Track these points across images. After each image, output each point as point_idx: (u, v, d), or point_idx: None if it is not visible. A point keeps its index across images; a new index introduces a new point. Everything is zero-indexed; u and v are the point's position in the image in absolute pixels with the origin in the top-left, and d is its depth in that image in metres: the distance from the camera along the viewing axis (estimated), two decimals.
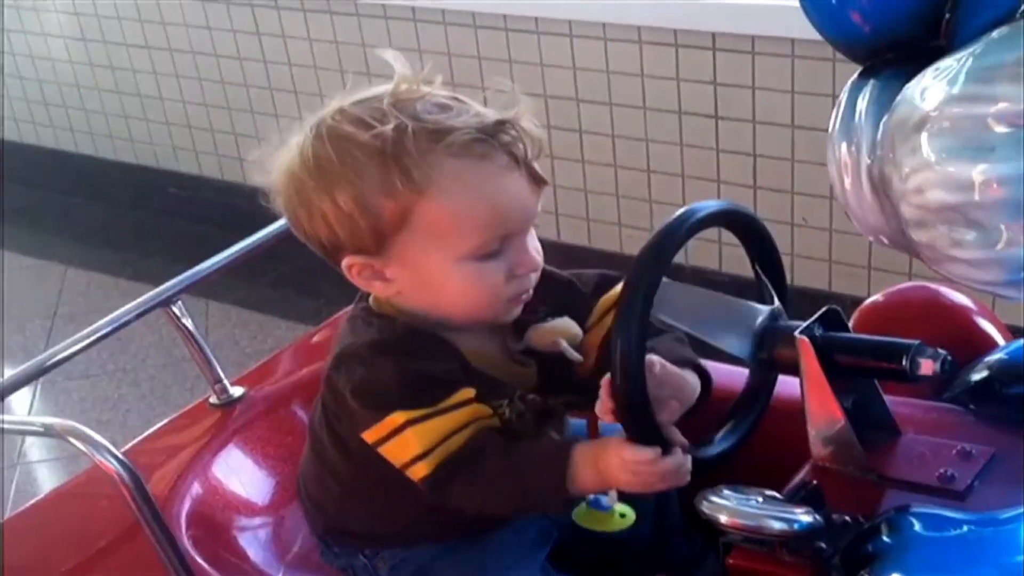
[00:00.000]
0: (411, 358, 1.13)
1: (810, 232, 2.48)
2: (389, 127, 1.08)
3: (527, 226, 1.14)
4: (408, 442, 1.11)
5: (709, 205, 1.14)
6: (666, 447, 1.08)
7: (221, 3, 3.16)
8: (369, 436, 1.13)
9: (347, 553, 1.28)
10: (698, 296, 1.15)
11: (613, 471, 1.08)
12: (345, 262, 1.15)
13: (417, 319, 1.16)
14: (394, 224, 1.10)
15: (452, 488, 1.12)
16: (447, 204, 1.09)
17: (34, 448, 2.65)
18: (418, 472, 1.12)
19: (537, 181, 1.13)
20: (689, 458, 1.09)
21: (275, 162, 1.16)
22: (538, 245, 1.17)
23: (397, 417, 1.11)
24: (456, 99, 1.13)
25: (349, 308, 1.75)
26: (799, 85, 2.37)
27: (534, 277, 1.17)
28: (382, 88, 1.13)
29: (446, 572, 1.22)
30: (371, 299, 1.21)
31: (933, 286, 1.46)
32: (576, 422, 1.27)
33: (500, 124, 1.11)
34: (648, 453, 1.06)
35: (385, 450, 1.13)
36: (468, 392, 1.13)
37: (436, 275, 1.13)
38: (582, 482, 1.10)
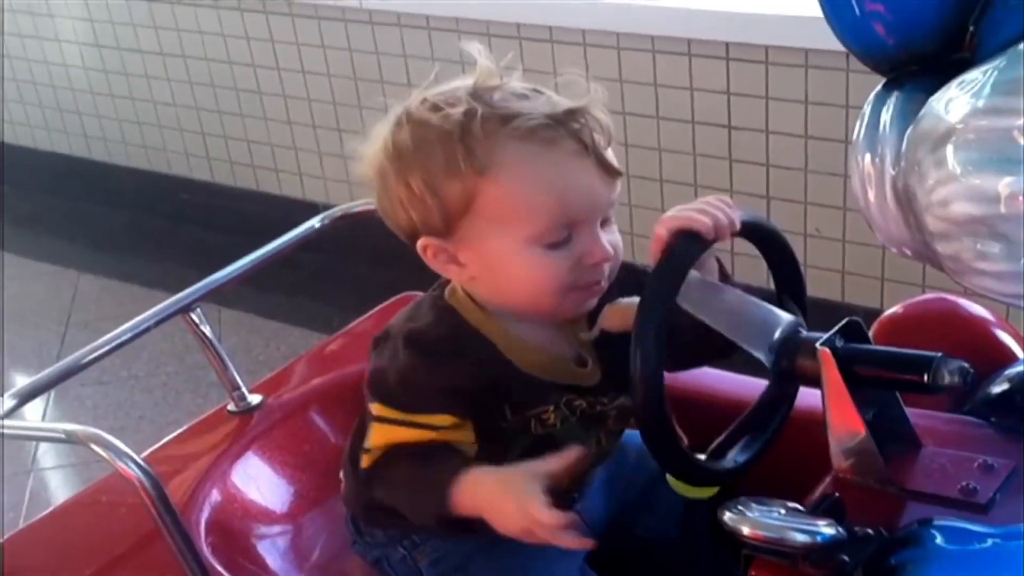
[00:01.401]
0: (433, 360, 1.14)
1: (823, 243, 2.48)
2: (460, 109, 1.10)
3: (595, 215, 1.13)
4: (372, 432, 1.16)
5: None
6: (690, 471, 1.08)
7: (235, 10, 3.17)
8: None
9: (382, 544, 1.28)
10: (724, 293, 1.14)
11: (500, 511, 1.07)
12: (420, 243, 1.16)
13: (481, 316, 1.17)
14: (460, 206, 1.11)
15: (374, 488, 1.17)
16: (509, 187, 1.10)
17: (47, 455, 2.66)
18: (363, 462, 1.17)
19: (608, 171, 1.13)
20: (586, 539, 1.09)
21: (365, 154, 1.18)
22: (616, 239, 1.16)
23: (376, 407, 1.16)
24: (536, 90, 1.15)
25: (361, 319, 1.77)
26: (812, 95, 2.37)
27: (607, 268, 1.15)
28: (467, 79, 1.15)
29: (486, 569, 1.22)
30: (447, 290, 1.21)
31: (952, 298, 1.46)
32: (632, 433, 1.24)
33: (570, 112, 1.11)
34: (558, 518, 1.04)
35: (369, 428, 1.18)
36: (447, 419, 1.14)
37: (501, 259, 1.13)
38: (461, 507, 1.10)
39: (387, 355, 1.16)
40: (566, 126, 1.10)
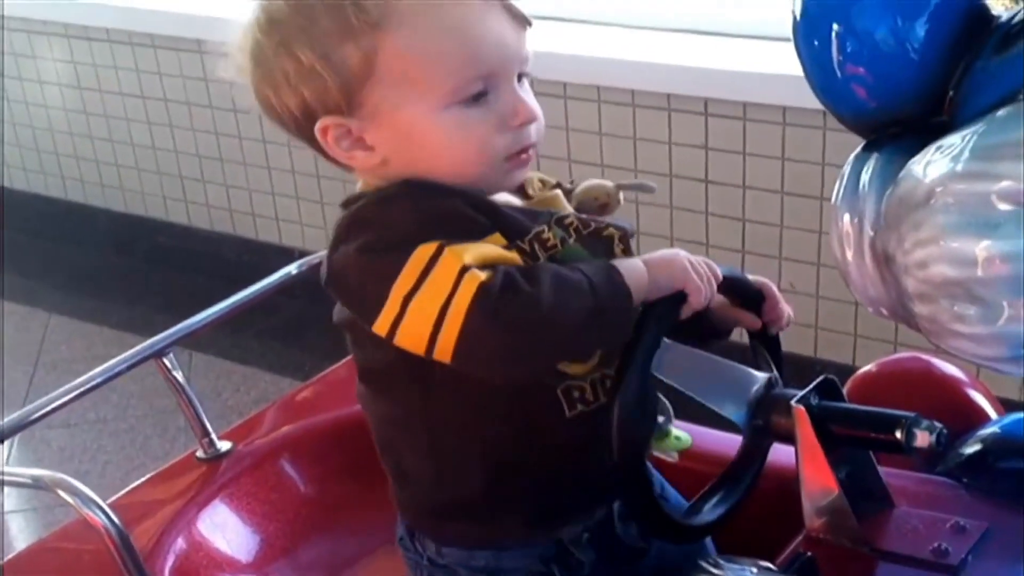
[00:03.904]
0: (429, 197, 0.98)
1: (797, 298, 2.49)
2: None
3: (510, 68, 1.01)
4: (448, 261, 0.92)
5: None
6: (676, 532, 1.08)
7: (218, 56, 3.17)
8: (384, 320, 0.95)
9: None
10: (697, 359, 1.14)
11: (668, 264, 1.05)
12: (319, 124, 1.01)
13: None
14: (360, 71, 0.97)
15: (517, 294, 0.92)
16: (412, 39, 0.97)
17: (9, 498, 2.61)
18: (471, 283, 0.91)
19: (516, 17, 1.01)
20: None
21: (230, 44, 1.05)
22: (535, 104, 1.03)
23: (427, 248, 0.93)
24: None
25: (334, 367, 1.75)
26: (789, 152, 2.39)
27: (534, 131, 1.03)
28: None
29: None
30: (358, 188, 1.07)
31: (926, 357, 1.47)
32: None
33: None
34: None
35: (414, 305, 0.93)
36: (499, 239, 0.98)
37: (417, 130, 0.99)
38: (642, 275, 1.01)
39: (370, 231, 0.97)
40: None
